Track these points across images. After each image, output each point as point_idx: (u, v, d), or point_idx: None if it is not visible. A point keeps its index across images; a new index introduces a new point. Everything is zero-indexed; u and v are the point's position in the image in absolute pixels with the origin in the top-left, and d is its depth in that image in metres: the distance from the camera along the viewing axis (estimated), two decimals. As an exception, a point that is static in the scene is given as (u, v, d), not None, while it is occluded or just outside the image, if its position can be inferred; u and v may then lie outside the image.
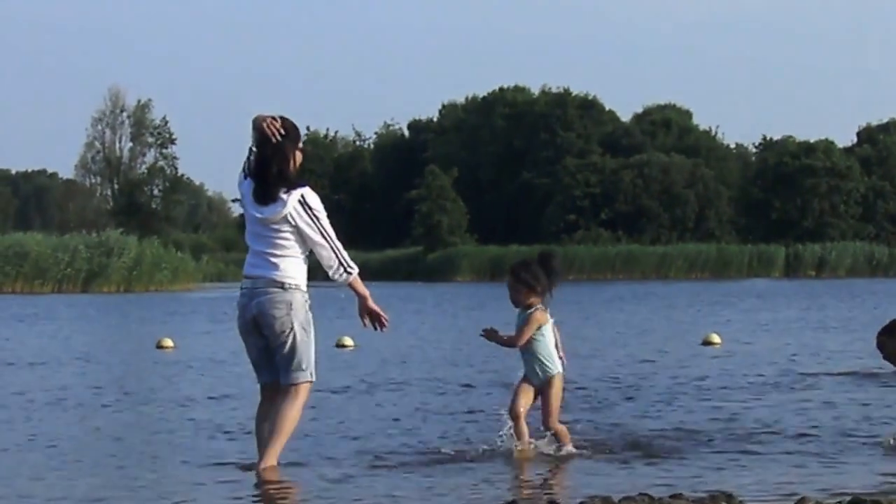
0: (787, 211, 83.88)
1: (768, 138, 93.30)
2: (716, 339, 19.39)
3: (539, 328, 8.61)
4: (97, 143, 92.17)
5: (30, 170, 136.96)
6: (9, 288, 50.00)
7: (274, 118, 7.98)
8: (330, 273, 7.95)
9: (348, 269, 7.93)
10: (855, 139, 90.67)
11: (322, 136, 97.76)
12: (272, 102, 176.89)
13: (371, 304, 8.05)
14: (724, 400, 11.99)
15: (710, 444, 9.24)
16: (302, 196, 7.88)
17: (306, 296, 8.00)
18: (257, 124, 7.95)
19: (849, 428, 9.98)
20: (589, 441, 9.30)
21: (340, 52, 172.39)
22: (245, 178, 8.01)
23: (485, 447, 8.90)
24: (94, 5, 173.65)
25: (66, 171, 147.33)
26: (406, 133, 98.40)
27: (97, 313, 33.38)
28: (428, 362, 16.58)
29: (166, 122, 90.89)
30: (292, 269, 7.91)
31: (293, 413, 7.92)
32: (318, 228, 7.90)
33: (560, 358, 8.76)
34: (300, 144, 8.06)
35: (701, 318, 27.45)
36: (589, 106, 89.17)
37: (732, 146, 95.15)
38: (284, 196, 7.85)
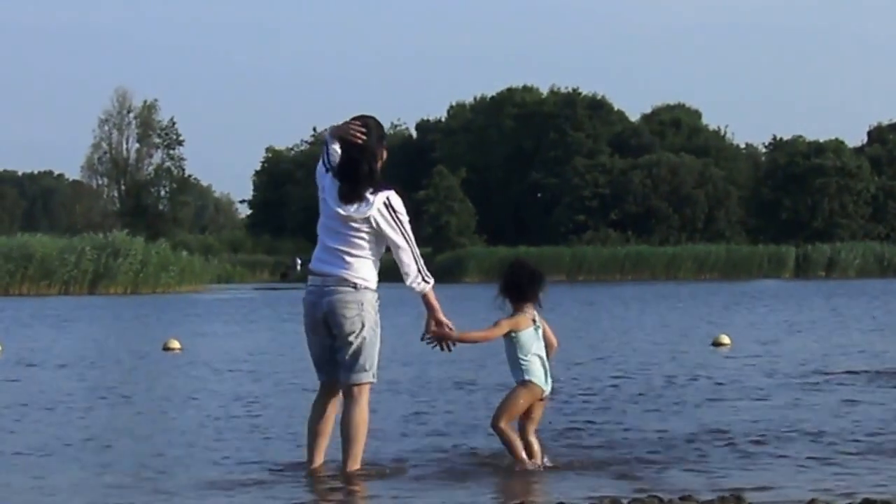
0: (797, 211, 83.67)
1: (778, 138, 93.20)
2: (725, 339, 19.23)
3: (513, 332, 8.19)
4: (104, 145, 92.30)
5: (36, 171, 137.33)
6: (15, 290, 49.99)
7: (354, 121, 7.90)
8: (407, 280, 7.84)
9: (426, 279, 7.85)
10: (865, 139, 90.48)
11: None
12: (278, 103, 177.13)
13: (441, 316, 7.92)
14: (734, 401, 11.88)
15: (719, 446, 9.13)
16: (388, 199, 7.82)
17: (377, 295, 7.92)
18: (339, 134, 7.87)
19: (863, 429, 9.85)
20: (598, 443, 9.19)
21: (347, 52, 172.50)
22: (326, 170, 7.91)
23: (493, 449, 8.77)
24: (101, 6, 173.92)
25: (73, 172, 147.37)
26: (414, 133, 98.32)
27: (103, 315, 33.29)
28: (446, 363, 16.43)
29: (173, 123, 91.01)
30: (365, 269, 7.84)
31: (361, 416, 7.83)
32: (402, 232, 7.84)
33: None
34: (384, 142, 8.02)
35: (711, 318, 27.30)
36: (598, 106, 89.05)
37: (742, 146, 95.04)
38: (370, 196, 7.79)
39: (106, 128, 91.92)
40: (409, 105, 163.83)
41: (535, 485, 7.87)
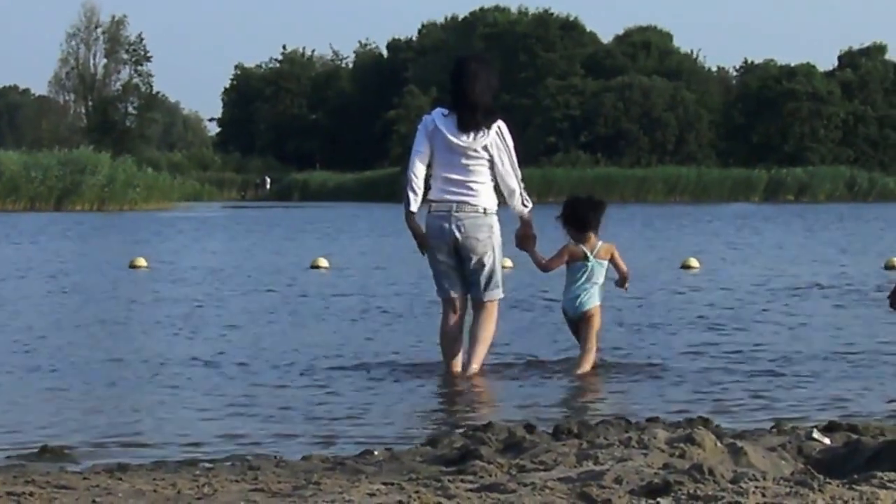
0: (768, 135, 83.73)
1: (749, 62, 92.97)
2: (694, 262, 19.19)
3: (569, 261, 8.93)
4: (71, 60, 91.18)
5: (1, 86, 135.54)
6: (-20, 206, 49.64)
7: (473, 57, 8.80)
8: (511, 202, 8.69)
9: (525, 202, 8.71)
10: (836, 63, 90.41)
11: (299, 54, 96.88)
12: (248, 20, 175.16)
13: (530, 231, 8.77)
14: (701, 325, 11.81)
15: (687, 370, 9.06)
16: (499, 127, 8.59)
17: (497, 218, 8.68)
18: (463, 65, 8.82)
19: (833, 351, 9.79)
20: (566, 367, 9.13)
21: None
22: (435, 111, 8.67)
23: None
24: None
25: (40, 87, 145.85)
26: (385, 53, 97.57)
27: (70, 232, 33.04)
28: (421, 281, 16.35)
29: (142, 40, 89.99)
30: (488, 195, 8.58)
31: (493, 326, 8.70)
32: (510, 159, 8.58)
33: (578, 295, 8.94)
34: (495, 71, 8.84)
35: (680, 241, 27.30)
36: (570, 27, 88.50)
37: (714, 69, 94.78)
38: (486, 126, 8.54)
39: (73, 43, 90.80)
40: (379, 24, 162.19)
41: (506, 405, 7.78)
